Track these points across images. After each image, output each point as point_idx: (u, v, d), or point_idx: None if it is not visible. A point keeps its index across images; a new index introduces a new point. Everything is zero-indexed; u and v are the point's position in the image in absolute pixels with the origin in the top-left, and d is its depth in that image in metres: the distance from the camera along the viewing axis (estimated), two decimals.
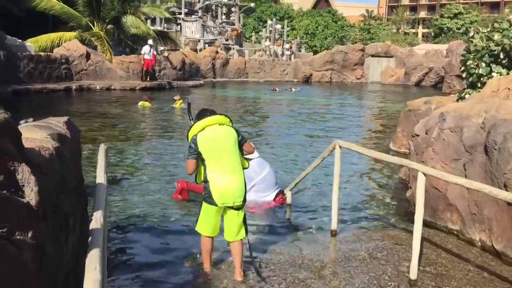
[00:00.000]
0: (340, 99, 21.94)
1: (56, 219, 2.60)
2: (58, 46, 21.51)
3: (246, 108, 17.51)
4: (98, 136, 10.39)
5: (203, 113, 4.07)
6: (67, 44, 21.43)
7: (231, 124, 4.06)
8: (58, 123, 3.29)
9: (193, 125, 4.00)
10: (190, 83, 25.09)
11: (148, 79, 21.98)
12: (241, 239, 4.09)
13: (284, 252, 4.69)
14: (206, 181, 3.92)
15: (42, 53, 19.89)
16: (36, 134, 2.82)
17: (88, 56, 21.37)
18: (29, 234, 1.86)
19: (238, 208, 3.97)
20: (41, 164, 2.45)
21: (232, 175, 3.89)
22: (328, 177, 7.21)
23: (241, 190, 3.91)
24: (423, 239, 4.77)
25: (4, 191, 1.84)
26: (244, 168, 4.08)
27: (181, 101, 15.76)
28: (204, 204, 4.00)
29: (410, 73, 31.97)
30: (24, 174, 1.97)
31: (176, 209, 5.90)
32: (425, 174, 3.82)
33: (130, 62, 22.15)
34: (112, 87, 20.46)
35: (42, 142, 2.67)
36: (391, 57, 34.25)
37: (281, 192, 6.09)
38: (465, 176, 5.06)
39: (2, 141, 1.84)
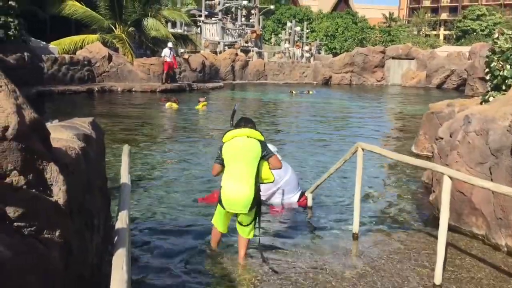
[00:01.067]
0: (360, 101, 21.77)
1: (81, 218, 2.62)
2: (81, 49, 21.84)
3: (265, 110, 17.51)
4: (119, 137, 10.49)
5: (240, 122, 4.41)
6: (90, 47, 21.74)
7: (261, 139, 4.28)
8: (83, 123, 3.33)
9: (226, 132, 4.37)
10: (210, 85, 25.20)
11: (168, 82, 22.15)
12: (248, 238, 4.43)
13: (306, 255, 4.65)
14: (221, 185, 4.26)
15: (65, 55, 20.21)
16: (62, 134, 2.85)
17: (110, 58, 21.64)
18: (57, 233, 1.88)
19: (245, 215, 4.25)
20: (68, 163, 2.47)
21: (244, 185, 4.13)
22: (349, 179, 7.15)
23: (248, 201, 4.14)
24: (447, 243, 4.68)
25: (33, 190, 1.86)
26: (267, 182, 4.38)
27: (204, 103, 15.83)
28: (218, 204, 4.34)
29: (432, 75, 31.54)
30: (53, 173, 1.99)
31: (194, 210, 5.91)
32: (451, 178, 3.75)
33: (151, 64, 22.36)
34: (133, 89, 20.69)
35: (68, 142, 2.70)
36: (412, 59, 33.87)
37: (303, 194, 6.08)
38: (491, 180, 4.96)
39: (32, 140, 1.87)
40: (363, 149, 4.85)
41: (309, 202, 5.99)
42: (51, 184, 1.97)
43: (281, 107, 19.07)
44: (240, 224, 4.33)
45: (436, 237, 4.98)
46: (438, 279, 4.02)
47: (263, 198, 5.63)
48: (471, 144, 5.29)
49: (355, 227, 5.01)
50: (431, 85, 31.13)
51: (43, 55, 18.75)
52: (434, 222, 5.63)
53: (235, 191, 4.13)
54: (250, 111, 17.14)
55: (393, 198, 6.72)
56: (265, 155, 4.20)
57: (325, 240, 5.08)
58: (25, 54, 17.49)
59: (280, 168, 4.41)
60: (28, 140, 1.83)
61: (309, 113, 16.91)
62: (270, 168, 4.25)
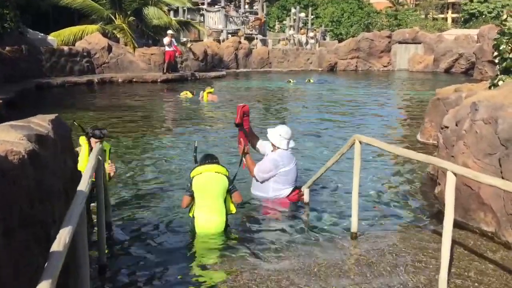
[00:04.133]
0: (365, 88, 21.22)
1: (28, 231, 2.30)
2: (81, 40, 21.46)
3: (265, 100, 17.04)
4: (118, 130, 10.17)
5: (206, 159, 4.80)
6: (89, 37, 21.35)
7: (227, 174, 4.72)
8: (42, 122, 2.99)
9: (195, 167, 4.76)
10: (212, 74, 24.78)
11: (169, 71, 21.71)
12: None
13: (299, 257, 4.31)
14: (193, 216, 4.67)
15: (64, 47, 19.89)
16: (9, 136, 2.52)
17: (109, 49, 21.28)
18: None
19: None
20: (6, 170, 2.14)
21: (214, 215, 4.60)
22: (349, 172, 6.77)
23: (221, 228, 4.64)
24: (454, 242, 4.32)
25: None
26: (231, 213, 4.77)
27: (209, 90, 15.27)
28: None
29: (439, 59, 30.75)
30: None
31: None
32: (455, 174, 3.37)
33: (152, 54, 21.96)
34: (134, 80, 20.34)
35: (13, 145, 2.37)
36: (419, 43, 33.07)
37: (297, 188, 5.68)
38: (501, 172, 4.58)
39: None
40: (360, 142, 4.48)
41: (306, 198, 5.62)
42: None
43: (281, 96, 18.51)
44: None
45: (441, 234, 4.63)
46: (443, 283, 3.65)
47: (259, 179, 5.65)
48: (478, 134, 4.90)
49: (353, 226, 4.66)
50: (439, 70, 30.38)
51: (41, 47, 18.44)
52: (439, 217, 5.25)
53: (209, 221, 4.58)
54: (248, 101, 16.74)
55: (395, 192, 6.33)
56: (231, 189, 4.71)
57: (321, 241, 4.72)
58: (23, 46, 17.21)
59: (239, 202, 4.85)
60: None
61: (311, 102, 16.39)
62: (232, 202, 4.73)
